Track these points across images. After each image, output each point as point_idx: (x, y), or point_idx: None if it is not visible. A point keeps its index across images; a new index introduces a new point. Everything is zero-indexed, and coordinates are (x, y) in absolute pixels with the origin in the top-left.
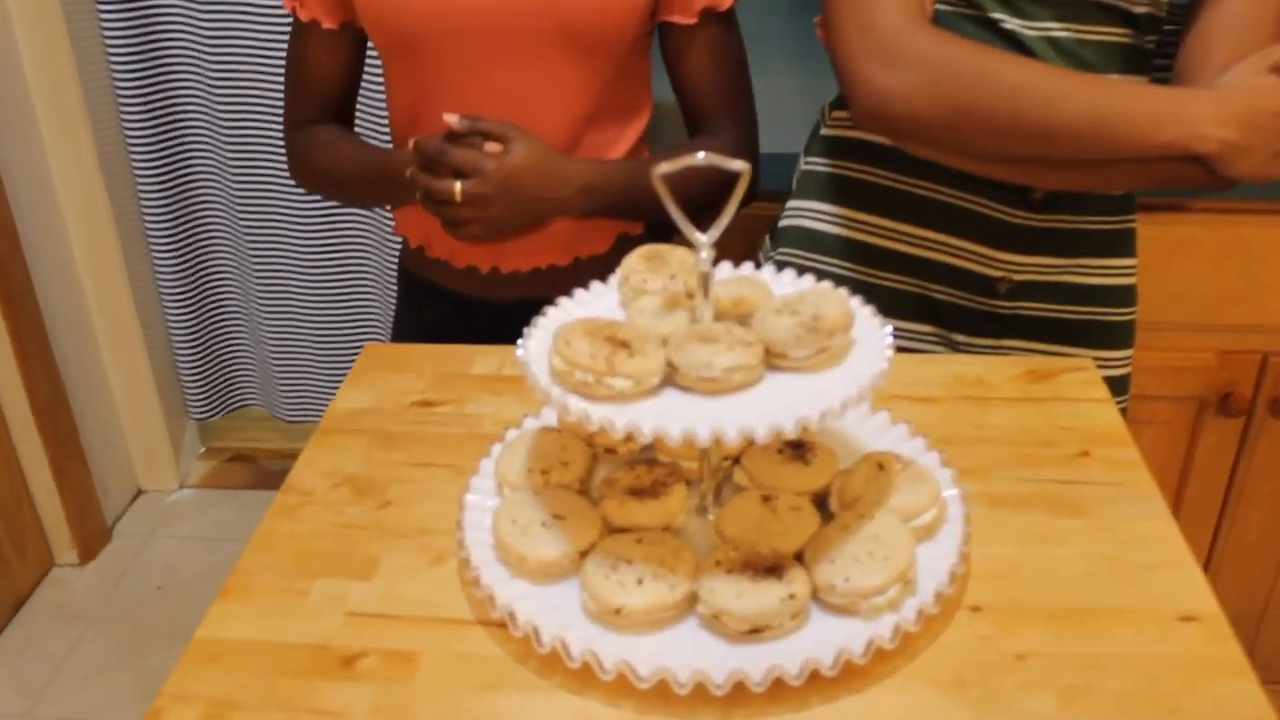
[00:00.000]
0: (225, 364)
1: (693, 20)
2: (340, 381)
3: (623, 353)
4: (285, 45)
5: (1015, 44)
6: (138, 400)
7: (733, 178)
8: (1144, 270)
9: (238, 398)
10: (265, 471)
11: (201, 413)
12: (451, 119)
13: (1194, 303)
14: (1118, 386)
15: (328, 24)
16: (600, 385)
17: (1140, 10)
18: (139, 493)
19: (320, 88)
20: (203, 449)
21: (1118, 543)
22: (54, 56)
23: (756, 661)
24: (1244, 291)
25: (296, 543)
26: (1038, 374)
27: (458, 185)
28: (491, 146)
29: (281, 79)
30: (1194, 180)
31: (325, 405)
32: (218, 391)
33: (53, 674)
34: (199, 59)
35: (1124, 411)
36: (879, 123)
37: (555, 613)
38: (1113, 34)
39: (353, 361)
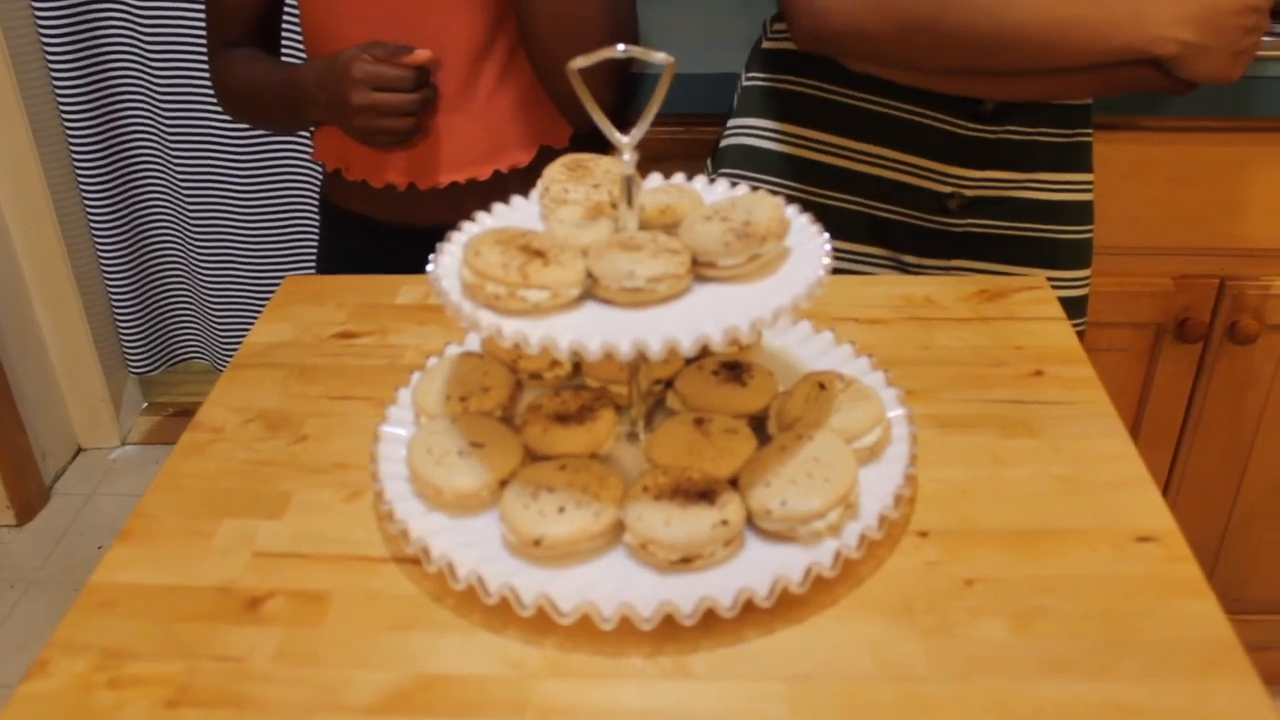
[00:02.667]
0: (165, 317)
1: None
2: None
3: (537, 262)
4: None
5: None
6: (75, 357)
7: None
8: (1100, 193)
9: (179, 351)
10: None
11: (142, 367)
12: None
13: (1150, 226)
14: (1075, 308)
15: None
16: (514, 298)
17: None
18: (79, 451)
19: (236, 5)
20: (145, 404)
21: (1072, 462)
22: None
23: (687, 593)
24: (1201, 214)
25: (203, 482)
26: (989, 293)
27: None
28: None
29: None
30: (1153, 84)
31: None
32: (158, 345)
33: None
34: (129, 6)
35: (1081, 334)
36: (822, 42)
37: (473, 547)
38: None
39: None
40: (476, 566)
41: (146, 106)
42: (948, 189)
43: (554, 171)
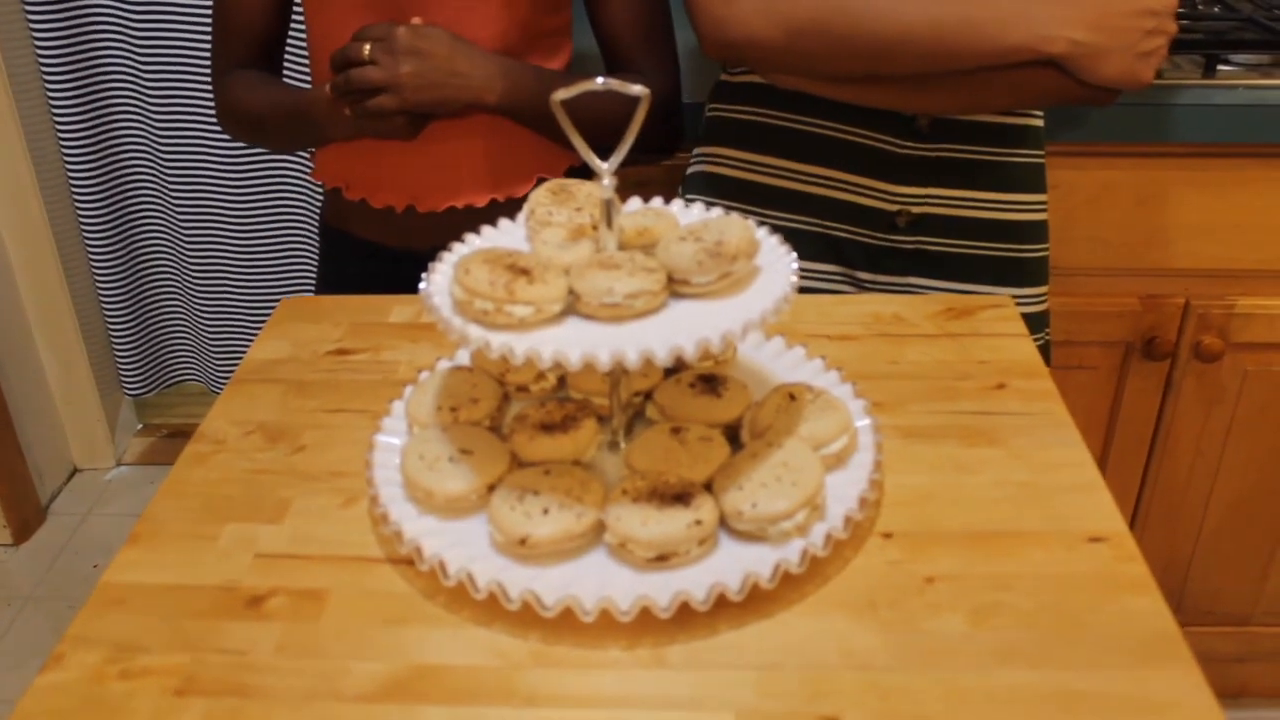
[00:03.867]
0: (160, 339)
1: None
2: None
3: (522, 280)
4: (212, 10)
5: None
6: (71, 378)
7: (651, 116)
8: (1066, 215)
9: (174, 373)
10: None
11: (137, 389)
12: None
13: (1116, 248)
14: (1034, 323)
15: None
16: (500, 313)
17: None
18: (75, 471)
19: (244, 28)
20: (140, 426)
21: (1030, 469)
22: None
23: (663, 588)
24: (1165, 236)
25: (207, 489)
26: (956, 311)
27: (367, 45)
28: (413, 20)
29: (210, 46)
30: (1065, 91)
31: None
32: (153, 367)
33: None
34: (126, 32)
35: (1044, 348)
36: (724, 51)
37: (463, 546)
38: None
39: None
40: (466, 565)
41: (142, 131)
42: (894, 207)
43: (539, 195)
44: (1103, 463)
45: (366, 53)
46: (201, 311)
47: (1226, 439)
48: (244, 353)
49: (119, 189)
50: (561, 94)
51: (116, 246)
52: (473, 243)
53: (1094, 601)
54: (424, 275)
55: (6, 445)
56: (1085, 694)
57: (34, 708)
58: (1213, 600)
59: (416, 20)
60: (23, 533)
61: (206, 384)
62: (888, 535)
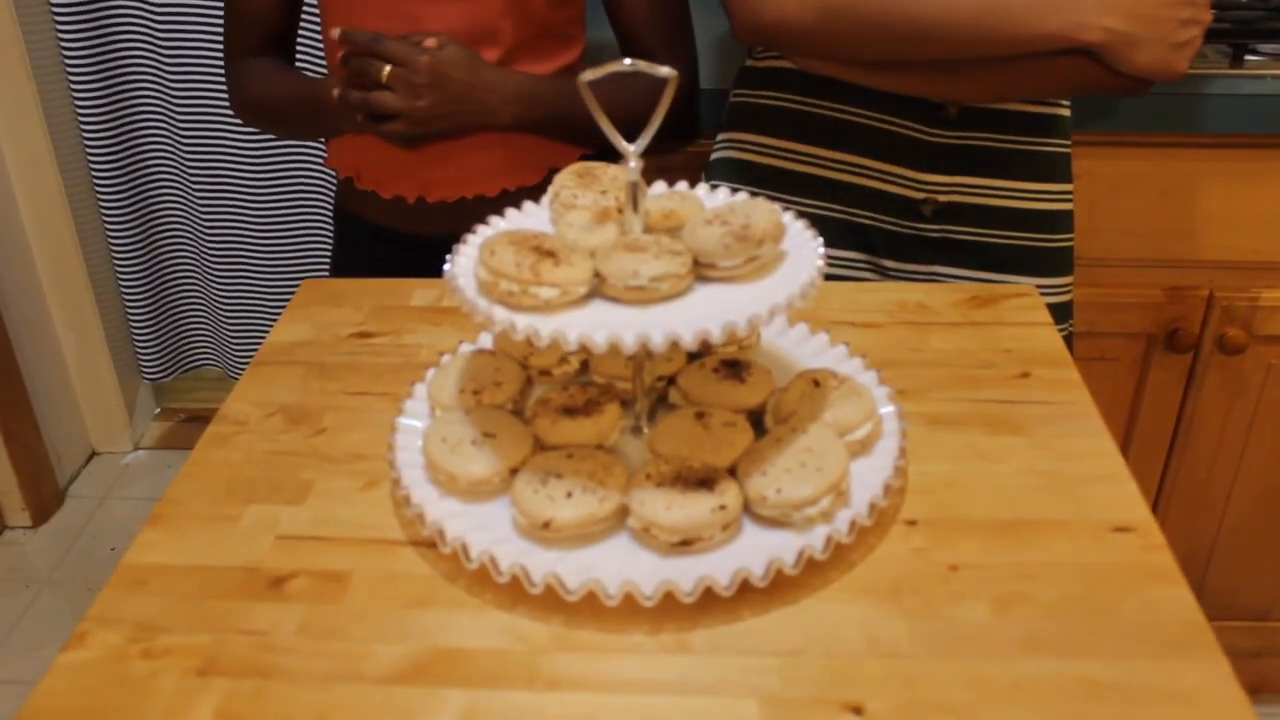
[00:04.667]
0: (178, 324)
1: None
2: None
3: (548, 261)
4: None
5: None
6: (90, 362)
7: (671, 103)
8: (1091, 206)
9: (192, 358)
10: None
11: (155, 374)
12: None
13: (1141, 238)
14: (1059, 313)
15: None
16: (526, 295)
17: None
18: (93, 455)
19: (256, 16)
20: (157, 410)
21: (1055, 459)
22: None
23: (686, 573)
24: (1190, 227)
25: (228, 470)
26: (980, 299)
27: (387, 67)
28: (428, 42)
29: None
30: (1098, 80)
31: None
32: (171, 352)
33: (4, 636)
34: (148, 18)
35: (1068, 338)
36: (757, 34)
37: (485, 529)
38: None
39: None
40: (489, 547)
41: (162, 116)
42: (920, 195)
43: (564, 178)
44: (1123, 455)
45: (385, 76)
46: (220, 296)
47: (1249, 433)
48: (262, 338)
49: (139, 174)
50: (589, 74)
51: (136, 231)
52: (495, 224)
53: (1120, 591)
54: (446, 257)
55: (25, 428)
56: (1111, 684)
57: (56, 686)
58: (1232, 594)
59: (431, 42)
60: (41, 515)
61: (224, 369)
62: (912, 523)
